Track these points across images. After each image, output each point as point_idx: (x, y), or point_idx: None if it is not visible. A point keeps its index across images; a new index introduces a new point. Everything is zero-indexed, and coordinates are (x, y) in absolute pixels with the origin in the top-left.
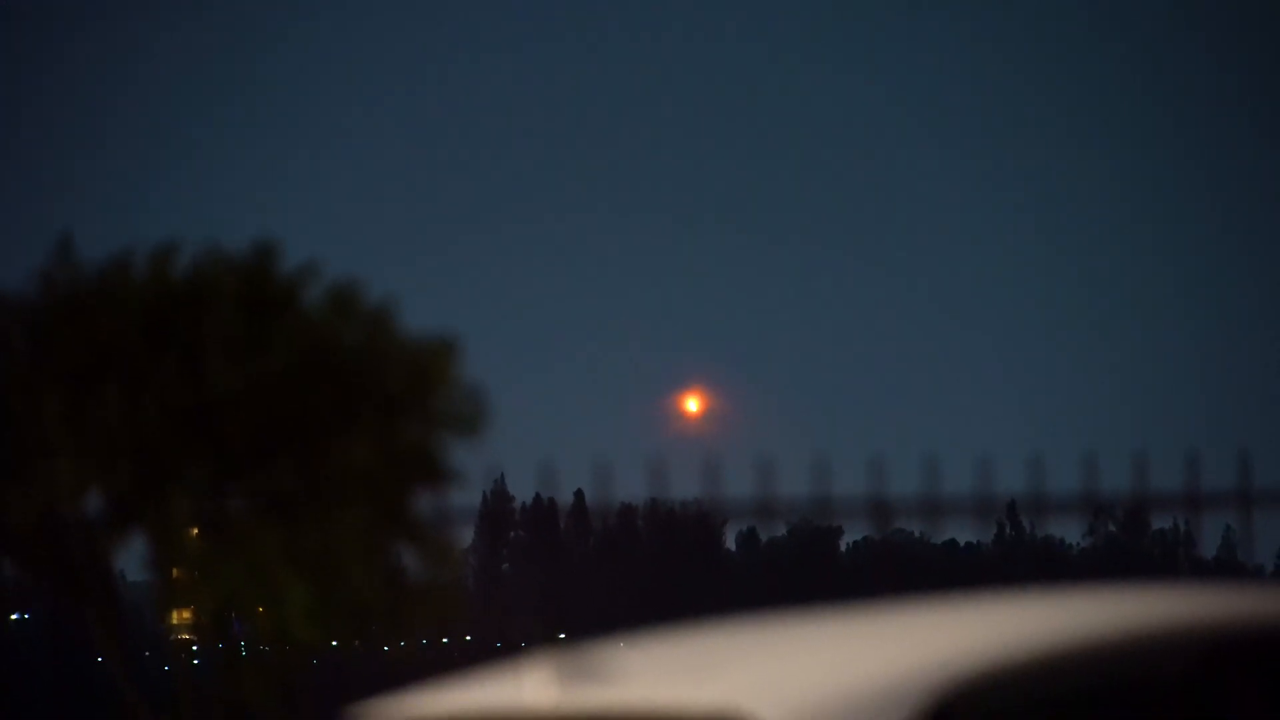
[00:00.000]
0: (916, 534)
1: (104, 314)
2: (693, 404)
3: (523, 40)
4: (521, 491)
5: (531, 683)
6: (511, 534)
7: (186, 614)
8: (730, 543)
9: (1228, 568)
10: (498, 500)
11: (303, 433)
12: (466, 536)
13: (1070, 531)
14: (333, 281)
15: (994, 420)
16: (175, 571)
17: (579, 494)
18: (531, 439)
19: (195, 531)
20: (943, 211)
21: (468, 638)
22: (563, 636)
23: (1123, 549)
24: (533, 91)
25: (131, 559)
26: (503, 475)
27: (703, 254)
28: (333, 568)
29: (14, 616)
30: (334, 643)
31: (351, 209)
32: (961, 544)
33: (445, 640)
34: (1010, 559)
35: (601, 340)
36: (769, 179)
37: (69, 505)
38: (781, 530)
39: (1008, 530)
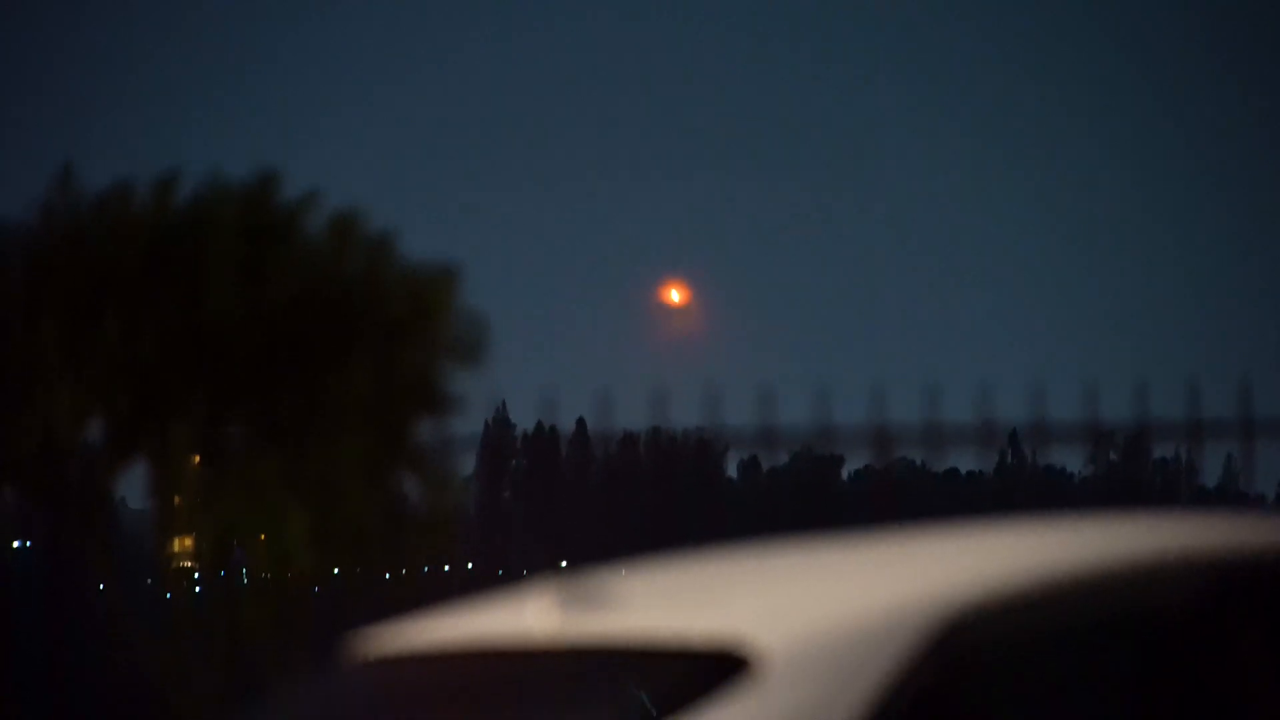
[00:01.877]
0: (918, 463)
1: (104, 242)
2: (675, 295)
3: None
4: (523, 419)
5: (533, 610)
6: (513, 462)
7: (187, 541)
8: (731, 471)
9: (1229, 496)
10: (499, 428)
11: (303, 360)
12: (468, 465)
13: (1072, 460)
14: (334, 210)
15: (995, 347)
16: (176, 499)
17: (580, 422)
18: (532, 366)
19: (196, 459)
20: (942, 139)
21: (469, 565)
22: (564, 564)
23: (1124, 478)
24: (528, 22)
25: (132, 486)
26: (504, 403)
27: (703, 179)
28: (333, 495)
29: (15, 544)
30: (335, 570)
31: (353, 137)
32: (963, 473)
33: (446, 568)
34: (1012, 488)
35: (600, 262)
36: (768, 104)
37: (68, 433)
38: (783, 458)
39: (1009, 459)
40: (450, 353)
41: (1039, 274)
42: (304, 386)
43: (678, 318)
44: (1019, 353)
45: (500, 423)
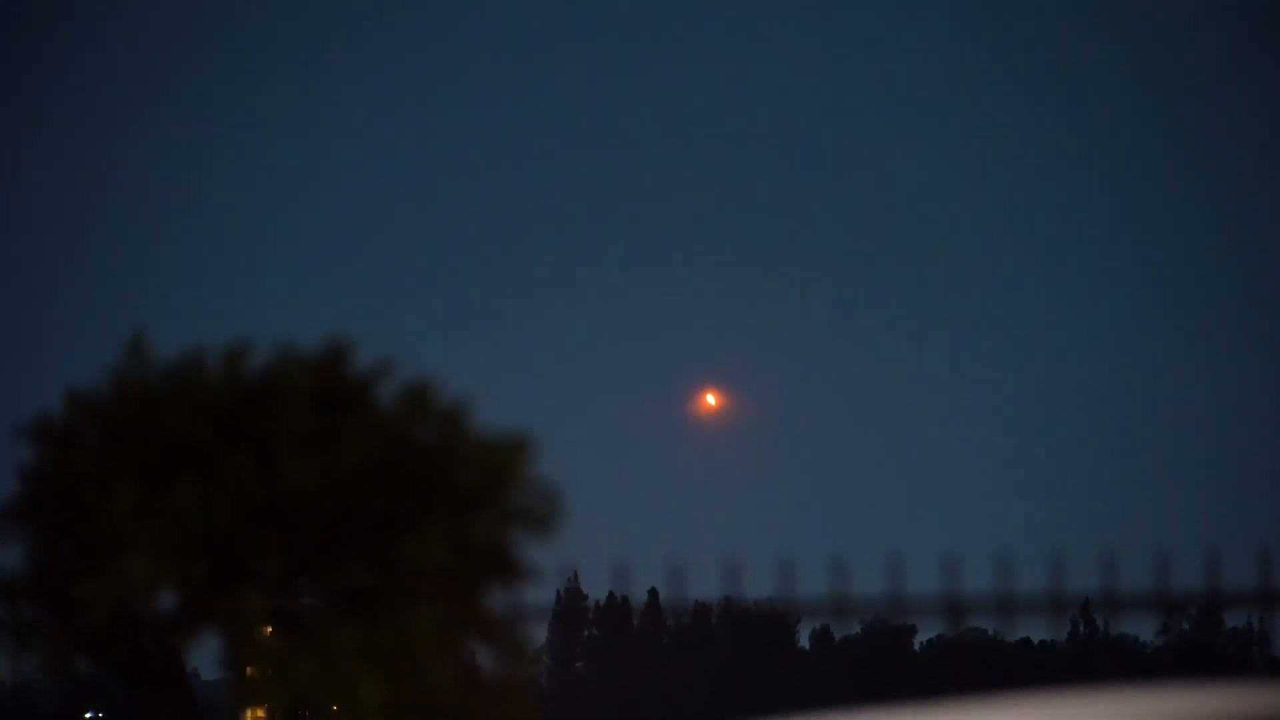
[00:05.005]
0: (990, 632)
1: (176, 410)
2: (710, 399)
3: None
4: (595, 588)
5: None
6: (585, 632)
7: (260, 712)
8: (804, 640)
9: None
10: (572, 598)
11: (376, 529)
12: (541, 634)
13: (1144, 629)
14: (407, 379)
15: (1065, 515)
16: (249, 669)
17: (653, 592)
18: (604, 532)
19: (269, 629)
20: (1018, 305)
21: None
22: None
23: (1197, 647)
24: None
25: (205, 657)
26: (576, 573)
27: (775, 349)
28: (407, 664)
29: (88, 716)
30: None
31: (419, 303)
32: (1036, 642)
33: None
34: (1084, 658)
35: (669, 424)
36: (861, 265)
37: (142, 600)
38: (855, 629)
39: (1081, 628)
40: (523, 521)
41: (1110, 442)
42: (376, 555)
43: (716, 426)
44: (1090, 521)
45: (573, 593)
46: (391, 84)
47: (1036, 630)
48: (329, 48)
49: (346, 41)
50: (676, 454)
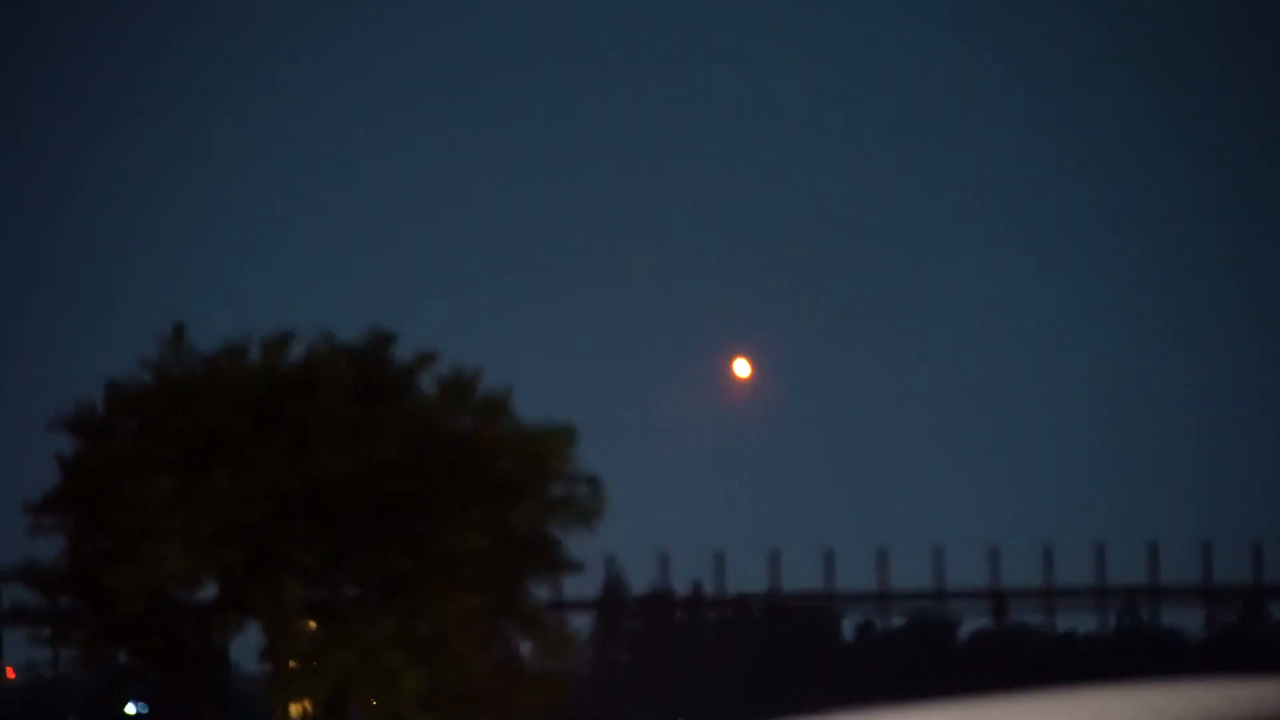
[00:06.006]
0: (1034, 625)
1: (215, 400)
2: (743, 368)
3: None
4: (638, 580)
5: None
6: (627, 623)
7: (306, 703)
8: (847, 633)
9: None
10: (614, 589)
11: (414, 518)
12: (584, 625)
13: (1188, 621)
14: (447, 370)
15: (1108, 508)
16: (290, 661)
17: (696, 585)
18: (647, 525)
19: (312, 623)
20: (1031, 304)
21: None
22: None
23: (1241, 640)
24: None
25: (247, 649)
26: (620, 565)
27: (820, 348)
28: (445, 654)
29: (130, 709)
30: None
31: (457, 296)
32: (1080, 635)
33: None
34: (1128, 651)
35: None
36: (879, 276)
37: (177, 590)
38: (898, 621)
39: (1126, 620)
40: (565, 512)
41: (1154, 435)
42: (415, 544)
43: (744, 390)
44: (1132, 514)
45: (616, 584)
46: (428, 76)
47: (1082, 622)
48: (370, 43)
49: (389, 38)
50: (717, 446)
